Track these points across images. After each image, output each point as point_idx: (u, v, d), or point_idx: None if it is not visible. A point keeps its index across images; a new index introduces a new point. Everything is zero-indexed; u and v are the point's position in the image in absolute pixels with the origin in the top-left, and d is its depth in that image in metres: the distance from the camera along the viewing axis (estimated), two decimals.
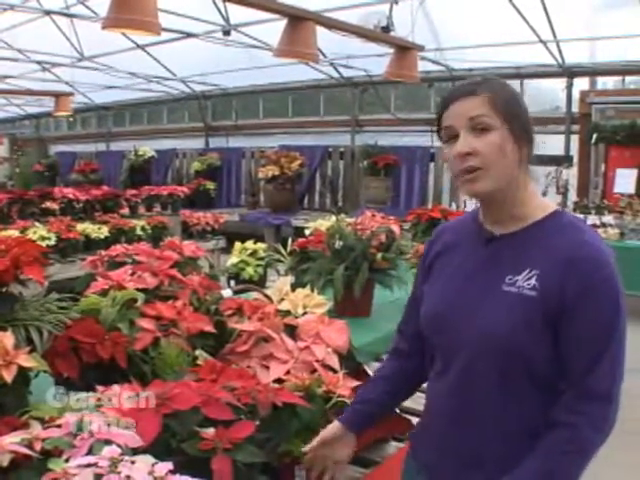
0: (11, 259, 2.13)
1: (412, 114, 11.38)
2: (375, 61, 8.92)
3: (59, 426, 1.57)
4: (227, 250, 5.80)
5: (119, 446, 1.49)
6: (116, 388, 1.98)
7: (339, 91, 12.25)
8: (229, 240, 6.40)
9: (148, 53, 10.92)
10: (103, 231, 6.69)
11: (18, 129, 17.86)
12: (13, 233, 5.84)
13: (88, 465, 1.39)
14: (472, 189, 1.60)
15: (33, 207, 7.59)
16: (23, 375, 1.91)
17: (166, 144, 14.29)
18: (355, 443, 1.94)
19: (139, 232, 7.00)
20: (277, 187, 10.97)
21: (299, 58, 5.69)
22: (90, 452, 1.47)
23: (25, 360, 1.86)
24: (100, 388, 2.00)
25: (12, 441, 1.49)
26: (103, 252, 3.06)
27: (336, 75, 11.51)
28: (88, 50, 10.58)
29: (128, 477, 1.36)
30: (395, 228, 3.65)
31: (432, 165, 11.00)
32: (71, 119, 15.88)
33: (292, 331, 2.50)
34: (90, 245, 6.46)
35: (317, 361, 2.26)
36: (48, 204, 7.64)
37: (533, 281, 1.54)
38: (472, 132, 1.57)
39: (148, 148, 13.39)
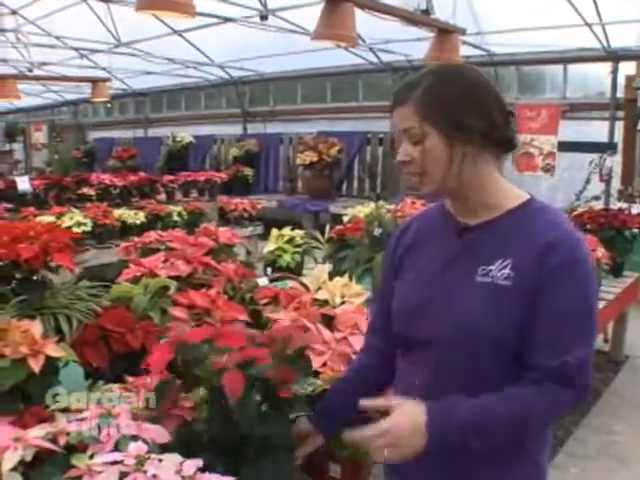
0: (40, 246, 2.08)
1: None
2: (415, 45, 8.76)
3: (84, 419, 1.51)
4: (264, 237, 5.75)
5: (145, 442, 1.42)
6: (146, 379, 1.92)
7: (378, 76, 12.10)
8: (267, 227, 6.34)
9: (185, 39, 10.87)
10: (139, 217, 6.66)
11: (57, 116, 17.96)
12: (49, 219, 5.86)
13: (114, 462, 1.32)
14: (419, 192, 1.63)
15: (70, 193, 7.60)
16: (51, 364, 1.85)
17: (204, 130, 14.25)
18: (320, 442, 1.83)
19: (175, 218, 6.96)
20: (315, 173, 10.92)
21: (337, 41, 5.57)
22: (116, 448, 1.41)
23: (53, 350, 1.81)
24: (129, 379, 1.95)
25: (36, 435, 1.43)
26: (137, 239, 3.01)
27: (375, 60, 11.37)
28: (125, 36, 10.55)
29: (155, 476, 1.29)
30: None
31: None
32: (109, 105, 15.93)
33: (329, 321, 2.43)
34: (126, 231, 6.41)
35: (354, 353, 2.18)
36: (85, 190, 7.65)
37: (507, 270, 1.52)
38: (409, 140, 1.59)
39: (186, 134, 13.39)
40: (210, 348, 1.68)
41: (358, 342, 2.20)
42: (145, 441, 1.42)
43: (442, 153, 1.55)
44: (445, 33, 6.43)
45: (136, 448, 1.37)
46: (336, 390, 1.89)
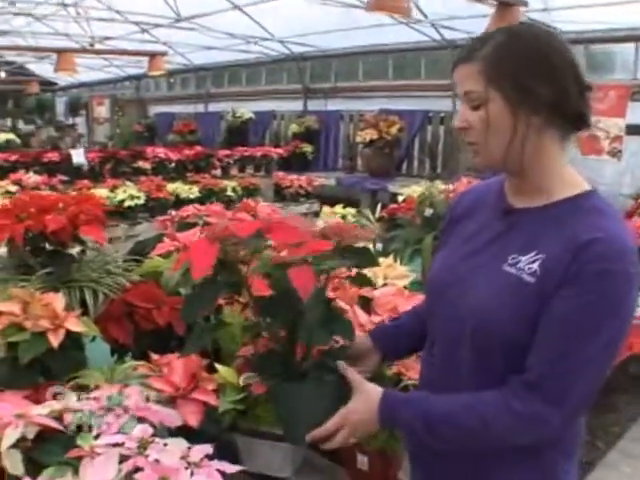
0: (68, 218, 2.03)
1: None
2: (479, 22, 8.51)
3: (94, 398, 1.45)
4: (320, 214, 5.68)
5: (153, 426, 1.36)
6: (171, 357, 1.87)
7: (440, 54, 11.86)
8: (324, 204, 6.28)
9: (246, 13, 10.78)
10: (193, 191, 6.66)
11: (119, 90, 18.10)
12: (103, 191, 5.91)
13: (115, 445, 1.26)
14: (475, 162, 1.49)
15: (125, 166, 7.66)
16: (73, 339, 1.81)
17: (264, 106, 14.13)
18: (378, 363, 1.84)
19: (230, 193, 6.96)
20: (375, 151, 10.74)
21: (391, 12, 5.44)
22: (121, 430, 1.35)
23: (74, 324, 1.76)
24: (154, 356, 1.89)
25: (40, 412, 1.37)
26: (174, 212, 2.95)
27: (437, 37, 11.13)
28: (185, 11, 10.53)
29: (157, 461, 1.22)
30: None
31: None
32: (171, 80, 16.00)
33: (367, 303, 2.33)
34: (180, 205, 6.34)
35: None
36: (140, 163, 7.70)
37: (535, 266, 1.37)
38: (468, 104, 1.44)
39: (246, 110, 13.32)
40: (260, 243, 1.57)
41: None
42: (153, 424, 1.36)
43: (505, 122, 1.39)
44: (506, 6, 6.23)
45: (140, 431, 1.31)
46: (392, 321, 1.95)
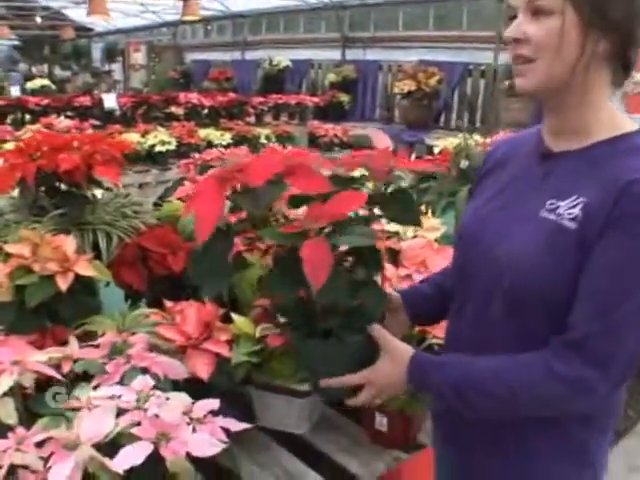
0: (82, 157, 1.94)
1: None
2: None
3: (97, 346, 1.37)
4: None
5: (157, 377, 1.27)
6: (184, 304, 1.79)
7: (483, 4, 11.56)
8: None
9: None
10: (226, 138, 6.56)
11: (155, 36, 17.98)
12: (134, 136, 5.85)
13: (113, 397, 1.18)
14: (518, 84, 1.32)
15: (157, 112, 7.59)
16: (84, 284, 1.73)
17: (302, 54, 13.93)
18: (407, 324, 1.72)
19: (263, 140, 6.84)
20: (413, 103, 10.57)
21: None
22: (122, 381, 1.27)
23: (84, 268, 1.68)
24: (168, 303, 1.82)
25: (39, 359, 1.30)
26: (197, 155, 2.86)
27: None
28: None
29: (156, 416, 1.14)
30: None
31: None
32: (209, 27, 15.84)
33: (395, 255, 2.23)
34: None
35: None
36: (173, 109, 7.61)
37: (577, 210, 1.24)
38: (530, 14, 1.26)
39: (283, 58, 13.19)
40: (278, 191, 1.38)
41: None
42: (156, 376, 1.27)
43: (574, 40, 1.23)
44: None
45: (140, 383, 1.22)
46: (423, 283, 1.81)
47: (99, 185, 2.08)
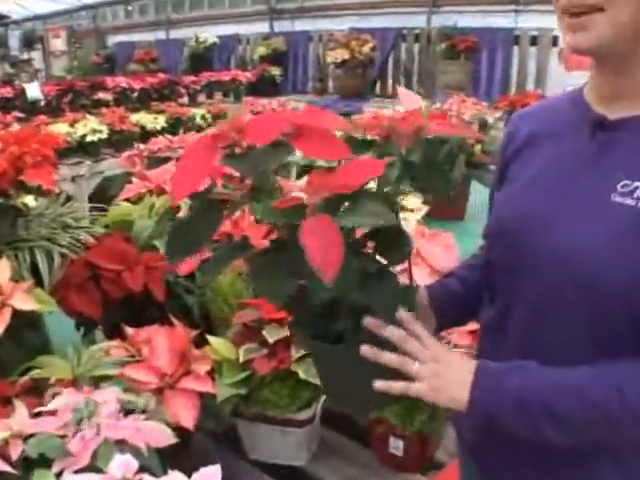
0: (9, 160, 1.58)
1: None
2: None
3: (54, 413, 1.05)
4: None
5: (138, 452, 0.95)
6: (150, 330, 1.48)
7: None
8: None
9: None
10: (159, 121, 6.25)
11: (75, 20, 17.39)
12: (62, 127, 5.49)
13: None
14: (576, 41, 1.02)
15: (84, 99, 7.20)
16: (25, 319, 1.40)
17: (228, 30, 13.63)
18: (433, 323, 1.34)
19: (199, 121, 6.59)
20: (347, 72, 10.39)
21: None
22: (94, 462, 0.94)
23: (23, 300, 1.33)
24: (129, 330, 1.50)
25: None
26: (142, 146, 2.51)
27: None
28: None
29: None
30: (489, 117, 3.08)
31: (516, 49, 9.97)
32: (129, 7, 15.39)
33: None
34: (146, 138, 5.89)
35: None
36: (100, 95, 7.24)
37: None
38: None
39: (209, 35, 12.87)
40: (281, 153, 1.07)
41: (422, 277, 1.72)
42: (137, 450, 0.95)
43: None
44: None
45: (121, 466, 0.90)
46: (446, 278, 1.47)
47: (30, 191, 1.74)
